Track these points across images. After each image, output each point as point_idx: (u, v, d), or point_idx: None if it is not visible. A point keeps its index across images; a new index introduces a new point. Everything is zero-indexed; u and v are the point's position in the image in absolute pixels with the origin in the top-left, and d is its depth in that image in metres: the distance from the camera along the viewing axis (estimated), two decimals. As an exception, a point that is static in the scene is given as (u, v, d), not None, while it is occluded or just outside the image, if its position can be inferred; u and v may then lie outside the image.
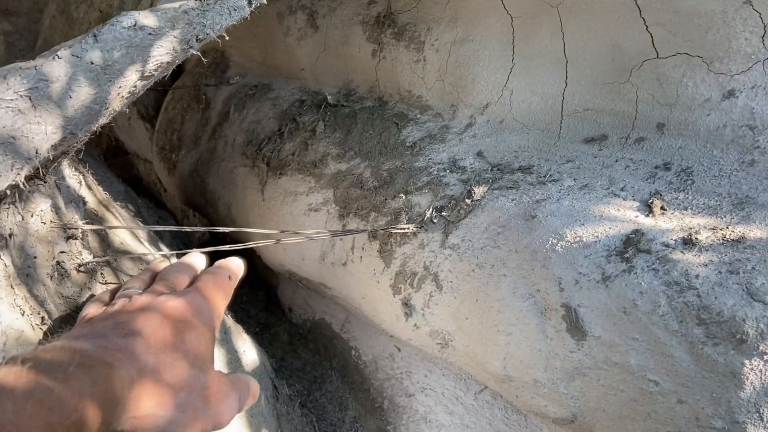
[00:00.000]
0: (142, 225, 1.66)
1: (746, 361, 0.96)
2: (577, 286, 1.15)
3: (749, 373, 0.96)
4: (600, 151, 1.42)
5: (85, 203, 1.32)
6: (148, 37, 0.82)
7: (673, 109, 1.32)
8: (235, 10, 0.93)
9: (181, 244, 2.38)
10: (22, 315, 0.91)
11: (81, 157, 1.51)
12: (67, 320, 1.05)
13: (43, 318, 0.96)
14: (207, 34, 0.89)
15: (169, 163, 2.57)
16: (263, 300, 2.34)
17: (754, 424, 0.97)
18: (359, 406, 1.81)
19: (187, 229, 1.23)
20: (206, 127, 2.38)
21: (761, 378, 0.96)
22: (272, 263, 2.08)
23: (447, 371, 1.65)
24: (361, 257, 1.63)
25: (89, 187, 1.46)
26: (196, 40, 0.88)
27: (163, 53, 0.85)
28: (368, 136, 1.79)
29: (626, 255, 1.11)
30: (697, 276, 1.03)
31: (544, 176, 1.40)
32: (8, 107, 0.70)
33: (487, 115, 1.65)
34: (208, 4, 0.88)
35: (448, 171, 1.56)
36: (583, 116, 1.48)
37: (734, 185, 1.17)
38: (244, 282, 2.30)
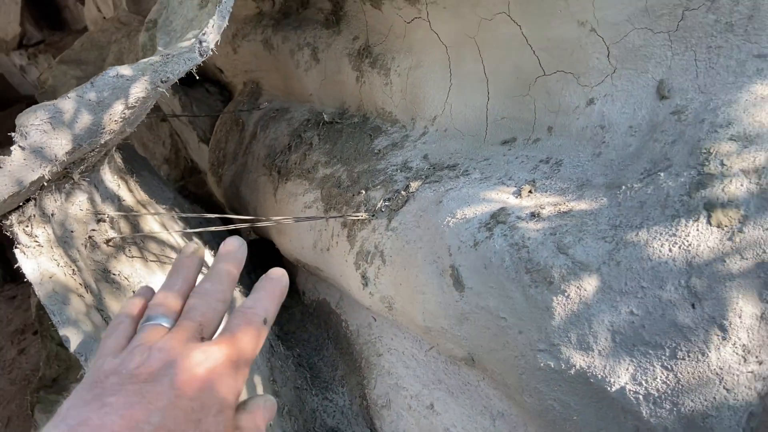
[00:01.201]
0: (161, 211, 2.13)
1: (554, 298, 1.29)
2: (459, 251, 1.51)
3: (557, 307, 1.29)
4: (509, 150, 1.76)
5: (121, 200, 1.83)
6: (126, 82, 1.30)
7: (557, 115, 1.65)
8: (189, 60, 1.37)
9: (218, 240, 2.88)
10: (57, 266, 1.40)
11: (132, 170, 2.05)
12: (93, 275, 1.54)
13: (73, 270, 1.45)
14: (169, 77, 1.35)
15: (217, 176, 3.11)
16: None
17: (565, 346, 1.29)
18: (345, 366, 2.21)
19: (207, 215, 1.70)
20: (242, 145, 2.90)
21: (565, 310, 1.28)
22: (287, 254, 2.53)
23: (407, 335, 2.02)
24: (337, 242, 2.04)
25: (130, 190, 1.98)
26: (162, 81, 1.34)
27: (138, 91, 1.32)
28: (348, 146, 2.21)
29: (489, 225, 1.46)
30: (529, 238, 1.36)
31: (461, 172, 1.76)
32: (37, 129, 1.19)
33: (435, 125, 2.02)
34: (169, 57, 1.34)
35: (399, 171, 1.94)
36: (501, 123, 1.82)
37: (584, 172, 1.49)
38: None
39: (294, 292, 2.74)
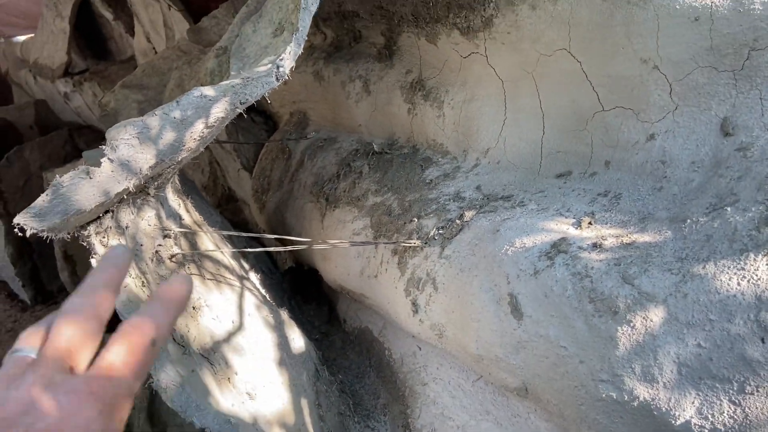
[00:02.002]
0: (217, 230, 2.18)
1: (619, 328, 1.29)
2: (518, 279, 1.53)
3: (622, 337, 1.29)
4: (565, 183, 1.78)
5: (181, 219, 1.88)
6: (209, 102, 1.36)
7: (615, 150, 1.68)
8: (267, 83, 1.43)
9: (264, 266, 2.93)
10: (130, 276, 1.45)
11: (186, 192, 2.12)
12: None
13: (142, 282, 1.49)
14: (248, 99, 1.41)
15: (261, 203, 3.17)
16: (326, 314, 2.82)
17: (629, 376, 1.29)
18: (388, 395, 2.21)
19: (249, 234, 1.74)
20: (287, 173, 2.96)
21: (630, 340, 1.28)
22: (330, 281, 2.56)
23: (453, 364, 2.02)
24: (386, 269, 2.07)
25: (187, 211, 2.03)
26: (240, 103, 1.40)
27: (219, 111, 1.38)
28: (399, 176, 2.25)
29: (550, 255, 1.48)
30: (592, 268, 1.38)
31: (517, 203, 1.78)
32: (126, 143, 1.25)
33: (488, 158, 2.06)
34: (248, 80, 1.41)
35: (451, 200, 1.97)
36: (556, 157, 1.85)
37: (645, 206, 1.50)
38: (311, 299, 2.82)
39: (335, 319, 2.76)
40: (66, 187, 1.21)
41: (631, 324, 1.28)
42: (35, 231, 1.19)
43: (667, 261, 1.31)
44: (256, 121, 3.63)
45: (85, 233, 1.40)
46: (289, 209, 2.82)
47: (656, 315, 1.26)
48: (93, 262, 1.39)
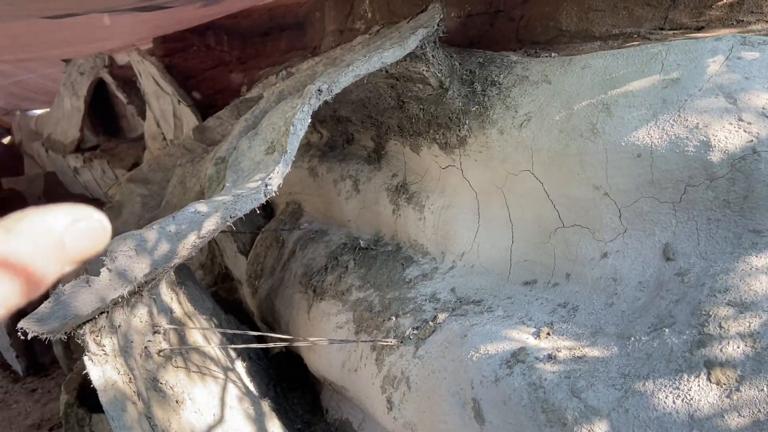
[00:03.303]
0: (206, 326, 2.31)
1: (567, 439, 1.39)
2: (481, 385, 1.64)
3: (570, 448, 1.39)
4: (530, 291, 1.92)
5: (172, 312, 2.01)
6: (202, 217, 1.52)
7: (575, 264, 1.82)
8: (255, 199, 1.60)
9: (251, 352, 3.02)
10: (118, 373, 1.56)
11: (180, 281, 2.25)
12: (144, 384, 1.68)
13: (130, 378, 1.61)
14: (237, 214, 1.57)
15: (253, 288, 3.30)
16: (310, 402, 2.89)
17: (576, 487, 1.38)
18: (363, 489, 2.25)
19: (235, 332, 1.86)
20: (280, 261, 3.11)
21: (577, 452, 1.38)
22: (313, 370, 2.65)
23: (426, 461, 2.08)
24: (365, 365, 2.17)
25: (179, 303, 2.16)
26: (230, 217, 1.56)
27: (210, 225, 1.54)
28: (382, 273, 2.39)
29: (510, 363, 1.60)
30: (546, 379, 1.49)
31: (486, 308, 1.91)
32: (124, 254, 1.40)
33: (463, 261, 2.20)
34: (239, 196, 1.57)
35: (428, 301, 2.11)
36: (524, 265, 2.00)
37: (597, 320, 1.63)
38: (296, 387, 2.89)
39: (318, 408, 2.83)
40: (67, 295, 1.35)
41: (578, 436, 1.38)
42: (36, 334, 1.32)
43: (612, 376, 1.43)
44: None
45: (81, 332, 1.53)
46: (279, 297, 2.94)
47: (600, 428, 1.37)
48: (85, 359, 1.51)
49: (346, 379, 2.33)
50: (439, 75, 2.08)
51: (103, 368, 1.50)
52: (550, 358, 1.55)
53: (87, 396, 3.49)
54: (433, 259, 2.35)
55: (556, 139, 1.79)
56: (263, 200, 1.64)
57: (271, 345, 2.01)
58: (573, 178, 1.77)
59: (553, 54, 2.07)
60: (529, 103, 1.91)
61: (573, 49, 2.10)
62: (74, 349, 5.16)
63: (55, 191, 7.27)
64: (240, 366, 2.44)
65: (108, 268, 1.40)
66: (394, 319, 2.12)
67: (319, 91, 1.74)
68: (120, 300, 1.53)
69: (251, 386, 2.30)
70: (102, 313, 1.55)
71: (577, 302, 1.75)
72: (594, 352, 1.51)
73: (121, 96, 5.70)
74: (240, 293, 4.64)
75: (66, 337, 1.45)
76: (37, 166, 8.33)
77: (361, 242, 2.64)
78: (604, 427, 1.37)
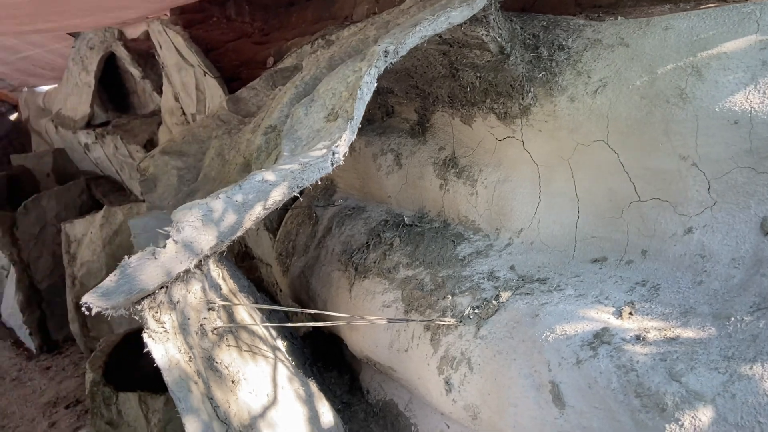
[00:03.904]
0: (254, 305, 2.21)
1: (666, 425, 1.30)
2: (560, 367, 1.54)
3: (670, 435, 1.30)
4: (600, 269, 1.82)
5: (220, 289, 1.91)
6: (269, 186, 1.41)
7: (652, 240, 1.72)
8: (322, 168, 1.49)
9: (286, 332, 2.93)
10: (179, 352, 1.47)
11: (221, 259, 2.15)
12: (203, 363, 1.59)
13: (189, 357, 1.51)
14: (304, 184, 1.46)
15: (284, 266, 3.20)
16: (348, 383, 2.81)
17: (677, 476, 1.29)
18: (413, 473, 2.18)
19: (285, 309, 1.77)
20: (314, 239, 3.00)
21: (679, 438, 1.29)
22: (355, 350, 2.56)
23: (483, 445, 2.00)
24: (417, 345, 2.08)
25: (224, 279, 2.07)
26: (297, 187, 1.45)
27: (277, 195, 1.43)
28: (431, 250, 2.29)
29: (593, 345, 1.50)
30: (637, 362, 1.39)
31: (554, 287, 1.81)
32: (191, 225, 1.30)
33: (521, 238, 2.10)
34: (306, 165, 1.46)
35: (486, 279, 2.01)
36: (591, 242, 1.89)
37: (685, 299, 1.54)
38: (333, 366, 2.82)
39: (357, 389, 2.75)
40: (132, 268, 1.24)
41: (680, 422, 1.29)
42: (100, 309, 1.22)
43: (713, 359, 1.33)
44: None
45: (139, 308, 1.42)
46: (314, 275, 2.85)
47: (704, 414, 1.27)
48: (145, 337, 1.41)
49: (394, 360, 2.24)
50: (499, 40, 1.96)
51: (165, 346, 1.40)
52: (639, 339, 1.46)
53: (112, 374, 3.42)
54: (486, 236, 2.24)
55: (636, 106, 1.67)
56: (330, 169, 1.53)
57: (326, 323, 1.92)
58: (656, 148, 1.66)
59: (618, 18, 1.94)
60: (603, 68, 1.79)
61: (641, 12, 1.98)
62: (91, 327, 5.10)
63: (64, 168, 7.16)
64: (281, 345, 2.36)
65: (174, 240, 1.30)
66: (449, 297, 2.02)
67: (386, 52, 1.62)
68: (182, 275, 1.43)
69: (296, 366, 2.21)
70: (161, 287, 1.44)
71: (657, 280, 1.65)
72: (689, 333, 1.42)
73: (134, 70, 5.55)
74: (260, 272, 4.56)
75: (127, 313, 1.35)
76: (44, 143, 8.20)
77: (405, 219, 2.53)
78: (709, 413, 1.27)
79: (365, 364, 2.70)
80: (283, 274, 3.19)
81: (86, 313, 1.21)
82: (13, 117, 9.25)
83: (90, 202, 6.39)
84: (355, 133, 1.57)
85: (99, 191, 6.47)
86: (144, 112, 6.70)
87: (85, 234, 5.04)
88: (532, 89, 1.95)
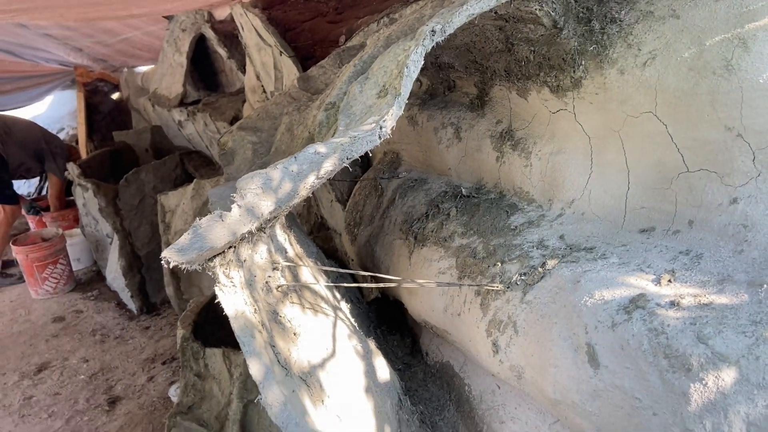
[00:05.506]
0: (319, 266, 2.40)
1: (691, 385, 1.36)
2: (596, 330, 1.62)
3: (694, 394, 1.36)
4: (647, 239, 1.86)
5: (286, 252, 2.10)
6: (321, 158, 1.56)
7: (699, 210, 1.74)
8: (371, 141, 1.63)
9: (353, 296, 3.12)
10: (245, 304, 1.66)
11: (289, 225, 2.34)
12: (267, 316, 1.78)
13: (255, 309, 1.70)
14: (353, 155, 1.60)
15: (353, 235, 3.38)
16: (409, 346, 2.97)
17: (699, 433, 1.35)
18: (466, 430, 2.31)
19: (342, 271, 1.93)
20: (379, 209, 3.16)
21: (702, 397, 1.35)
22: (414, 315, 2.71)
23: (531, 405, 2.10)
24: (469, 309, 2.20)
25: (291, 244, 2.26)
26: (347, 158, 1.60)
27: (329, 166, 1.58)
28: (485, 220, 2.39)
29: (629, 309, 1.56)
30: (668, 325, 1.45)
31: (599, 255, 1.87)
32: (252, 192, 1.47)
33: (573, 208, 2.15)
34: (355, 138, 1.60)
35: (535, 248, 2.08)
36: (640, 213, 1.93)
37: (725, 268, 1.56)
38: (395, 330, 2.99)
39: (417, 351, 2.90)
40: (203, 228, 1.44)
41: (704, 382, 1.35)
42: (177, 263, 1.42)
43: (741, 323, 1.37)
44: (352, 157, 3.87)
45: (211, 264, 1.63)
46: (378, 243, 3.01)
47: (728, 375, 1.32)
48: (216, 290, 1.62)
49: (448, 323, 2.37)
50: (552, 14, 2.00)
51: (233, 299, 1.60)
52: (673, 304, 1.51)
53: (200, 332, 3.75)
54: (539, 206, 2.31)
55: (684, 78, 1.69)
56: (377, 142, 1.66)
57: (380, 285, 2.07)
58: (702, 119, 1.68)
59: (677, -12, 1.93)
60: (654, 40, 1.80)
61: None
62: (184, 290, 5.54)
63: (160, 144, 7.68)
64: (345, 306, 2.54)
65: (238, 205, 1.48)
66: (499, 265, 2.12)
67: (433, 32, 1.72)
68: (247, 235, 1.61)
69: (356, 325, 2.39)
70: (230, 247, 1.64)
71: (701, 249, 1.68)
72: (722, 299, 1.45)
73: (221, 51, 5.88)
74: (335, 242, 4.78)
75: (200, 268, 1.55)
76: (143, 120, 8.81)
77: (463, 190, 2.63)
78: (732, 374, 1.32)
79: (424, 328, 2.84)
80: (352, 242, 3.37)
81: (165, 266, 1.42)
82: (115, 96, 9.97)
83: (183, 176, 6.84)
84: (402, 108, 1.69)
85: (191, 165, 6.91)
86: (231, 91, 7.07)
87: (178, 205, 5.44)
88: (583, 62, 1.99)
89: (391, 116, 1.65)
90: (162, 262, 1.42)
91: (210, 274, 1.66)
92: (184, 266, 1.46)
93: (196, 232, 1.43)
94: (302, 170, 1.54)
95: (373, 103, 1.82)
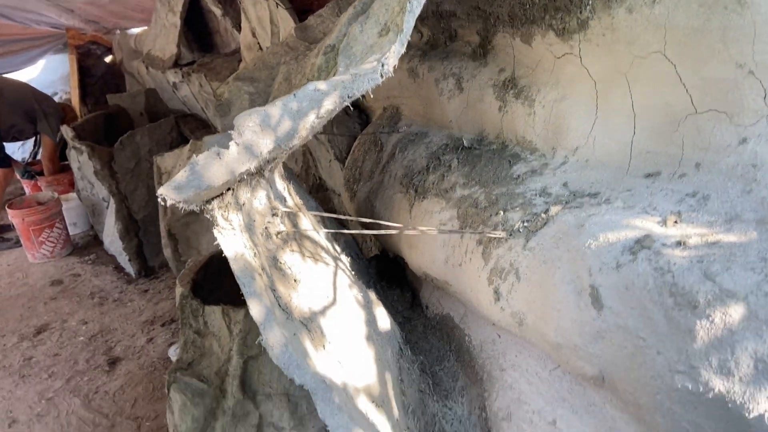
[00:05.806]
0: (318, 213, 2.36)
1: (698, 321, 1.35)
2: (600, 272, 1.60)
3: (700, 330, 1.34)
4: (653, 183, 1.83)
5: (286, 201, 2.07)
6: (321, 95, 1.52)
7: (707, 153, 1.71)
8: (372, 79, 1.58)
9: (353, 251, 3.10)
10: (245, 247, 1.63)
11: (288, 177, 2.30)
12: (267, 261, 1.76)
13: (254, 253, 1.68)
14: (354, 94, 1.56)
15: (352, 192, 3.35)
16: (409, 300, 2.96)
17: (705, 369, 1.34)
18: (466, 378, 2.31)
19: (345, 217, 1.90)
20: (379, 164, 3.12)
21: (708, 334, 1.33)
22: (415, 268, 2.69)
23: (531, 352, 2.10)
24: (470, 258, 2.18)
25: (290, 194, 2.22)
26: (348, 97, 1.55)
27: (329, 104, 1.54)
28: (487, 170, 2.35)
29: (634, 250, 1.54)
30: (675, 264, 1.43)
31: (603, 200, 1.84)
32: (250, 129, 1.43)
33: (577, 156, 2.12)
34: (356, 76, 1.56)
35: (538, 195, 2.05)
36: (646, 157, 1.89)
37: (732, 208, 1.53)
38: (395, 285, 2.98)
39: (417, 305, 2.90)
40: (200, 165, 1.40)
41: (710, 318, 1.33)
42: (174, 201, 1.39)
43: (750, 260, 1.35)
44: (350, 114, 3.81)
45: (210, 207, 1.60)
46: (378, 198, 2.97)
47: (736, 311, 1.31)
48: (215, 232, 1.59)
49: (449, 275, 2.35)
50: (558, -47, 1.94)
51: (232, 240, 1.57)
52: (679, 244, 1.48)
53: (198, 291, 3.74)
54: (542, 155, 2.27)
55: (694, 14, 1.63)
56: (379, 81, 1.62)
57: (380, 232, 2.05)
58: (712, 57, 1.63)
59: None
60: (663, -24, 1.75)
61: None
62: (182, 253, 5.51)
63: (155, 107, 7.57)
64: (345, 258, 2.52)
65: (236, 142, 1.44)
66: (501, 213, 2.09)
67: (436, -34, 1.66)
68: (246, 176, 1.58)
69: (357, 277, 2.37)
70: (228, 190, 1.60)
71: (708, 191, 1.65)
72: (729, 238, 1.43)
73: (215, 9, 5.75)
74: (334, 203, 4.75)
75: (198, 209, 1.52)
76: (137, 83, 8.68)
77: (465, 141, 2.59)
78: (740, 310, 1.30)
79: (425, 282, 2.83)
80: (351, 199, 3.34)
81: (161, 204, 1.38)
82: (108, 59, 9.80)
83: (179, 139, 6.76)
84: (405, 46, 1.64)
85: (187, 128, 6.82)
86: (226, 51, 6.94)
87: (174, 166, 5.38)
88: (590, 2, 1.93)
89: (393, 53, 1.60)
90: (158, 199, 1.38)
91: (208, 217, 1.63)
92: (181, 205, 1.43)
93: (193, 169, 1.39)
94: (302, 108, 1.50)
95: (375, 42, 1.76)
